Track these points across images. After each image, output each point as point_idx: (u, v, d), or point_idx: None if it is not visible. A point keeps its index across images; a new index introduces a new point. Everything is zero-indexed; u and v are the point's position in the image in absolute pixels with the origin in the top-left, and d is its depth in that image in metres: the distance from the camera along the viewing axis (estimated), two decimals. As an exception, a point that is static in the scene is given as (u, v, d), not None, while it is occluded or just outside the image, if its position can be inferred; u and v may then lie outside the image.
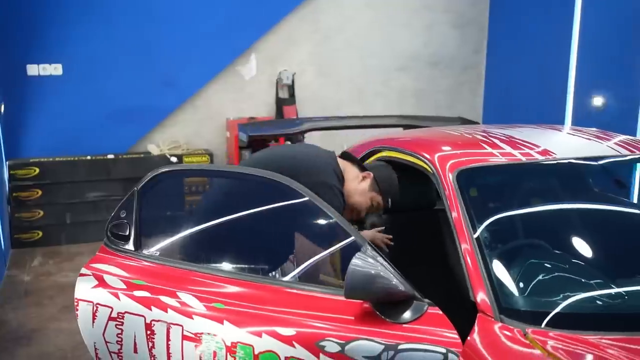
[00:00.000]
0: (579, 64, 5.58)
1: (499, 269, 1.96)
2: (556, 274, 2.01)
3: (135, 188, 2.42)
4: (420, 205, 2.87)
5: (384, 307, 1.84)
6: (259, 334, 1.95)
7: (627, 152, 2.46)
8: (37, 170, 5.43)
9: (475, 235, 2.00)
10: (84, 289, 2.29)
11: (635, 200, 2.50)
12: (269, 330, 1.94)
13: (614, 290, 1.94)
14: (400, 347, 1.78)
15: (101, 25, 5.62)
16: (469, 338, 1.76)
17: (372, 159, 2.80)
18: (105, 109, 5.73)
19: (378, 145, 2.80)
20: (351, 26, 6.54)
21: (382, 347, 1.80)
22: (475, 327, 1.79)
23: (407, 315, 1.83)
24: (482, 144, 2.45)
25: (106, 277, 2.29)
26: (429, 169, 2.32)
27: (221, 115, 6.20)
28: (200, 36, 5.88)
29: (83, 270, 2.34)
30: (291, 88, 6.37)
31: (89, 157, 5.60)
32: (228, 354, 2.00)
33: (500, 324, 1.76)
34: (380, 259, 1.86)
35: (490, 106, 7.06)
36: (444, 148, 2.42)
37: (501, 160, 2.31)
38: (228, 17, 5.94)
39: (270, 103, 6.36)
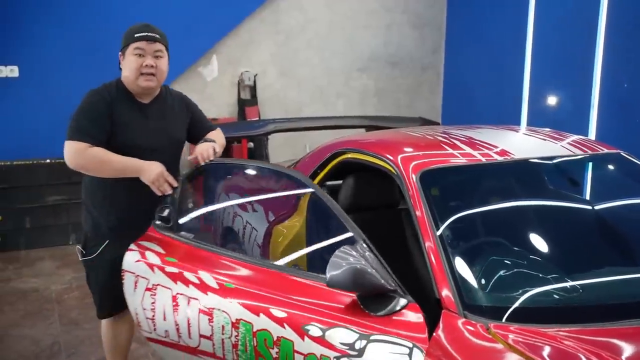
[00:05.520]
0: (534, 63, 5.75)
1: (462, 266, 2.03)
2: (516, 270, 2.09)
3: (180, 177, 2.70)
4: (384, 204, 2.93)
5: (366, 298, 1.93)
6: (257, 313, 2.14)
7: (579, 152, 2.57)
8: (-6, 174, 5.30)
9: (438, 233, 2.07)
10: (130, 262, 2.61)
11: (587, 197, 2.60)
12: (265, 310, 2.12)
13: (569, 284, 2.03)
14: (372, 337, 1.86)
15: (58, 25, 5.53)
16: (434, 334, 1.83)
17: (335, 161, 2.85)
18: (64, 111, 5.51)
19: (342, 147, 2.85)
20: (312, 27, 6.59)
21: (357, 335, 1.88)
22: (440, 324, 1.85)
23: (386, 308, 1.90)
24: (443, 145, 2.52)
25: (147, 253, 2.60)
26: (392, 170, 2.38)
27: (183, 116, 6.16)
28: (160, 37, 5.83)
29: (132, 246, 2.64)
30: (253, 89, 6.39)
31: (48, 161, 5.50)
32: (233, 329, 2.21)
33: (464, 320, 1.83)
34: (368, 253, 1.94)
35: (449, 105, 7.21)
36: (407, 149, 2.48)
37: (462, 161, 2.39)
38: (189, 18, 5.92)
39: (232, 104, 6.36)
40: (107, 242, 2.70)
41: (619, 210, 2.51)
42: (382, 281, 1.89)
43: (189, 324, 2.36)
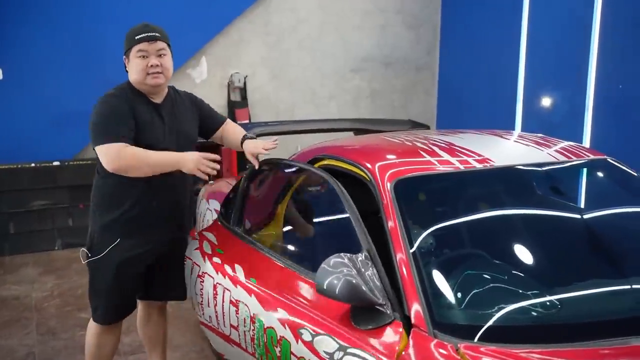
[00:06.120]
0: (528, 64, 5.64)
1: (434, 280, 1.94)
2: (491, 285, 1.98)
3: (244, 174, 2.92)
4: (365, 212, 2.84)
5: (358, 309, 1.89)
6: (268, 311, 2.23)
7: (565, 159, 2.47)
8: (-23, 178, 5.20)
9: (410, 246, 1.98)
10: (190, 249, 2.86)
11: (571, 206, 2.49)
12: (274, 309, 2.21)
13: (547, 300, 1.93)
14: (349, 350, 1.85)
15: (43, 27, 5.42)
16: (403, 353, 1.73)
17: (316, 166, 2.76)
18: (49, 114, 5.54)
19: (320, 153, 2.75)
20: (303, 28, 6.49)
21: (338, 346, 1.88)
22: (410, 342, 1.76)
23: (369, 322, 1.84)
24: (422, 152, 2.43)
25: (204, 242, 2.82)
26: (367, 177, 2.29)
27: (172, 119, 6.07)
28: (148, 38, 5.73)
29: (195, 235, 2.89)
30: (243, 91, 6.29)
31: (32, 165, 5.40)
32: (251, 323, 2.32)
33: (434, 341, 1.73)
34: (361, 260, 1.90)
35: (444, 106, 7.10)
36: (382, 157, 2.39)
37: (439, 169, 2.29)
38: (177, 19, 5.80)
39: (222, 106, 6.25)
40: (117, 241, 2.63)
41: (604, 219, 2.40)
42: (372, 296, 1.82)
43: (223, 312, 2.53)
